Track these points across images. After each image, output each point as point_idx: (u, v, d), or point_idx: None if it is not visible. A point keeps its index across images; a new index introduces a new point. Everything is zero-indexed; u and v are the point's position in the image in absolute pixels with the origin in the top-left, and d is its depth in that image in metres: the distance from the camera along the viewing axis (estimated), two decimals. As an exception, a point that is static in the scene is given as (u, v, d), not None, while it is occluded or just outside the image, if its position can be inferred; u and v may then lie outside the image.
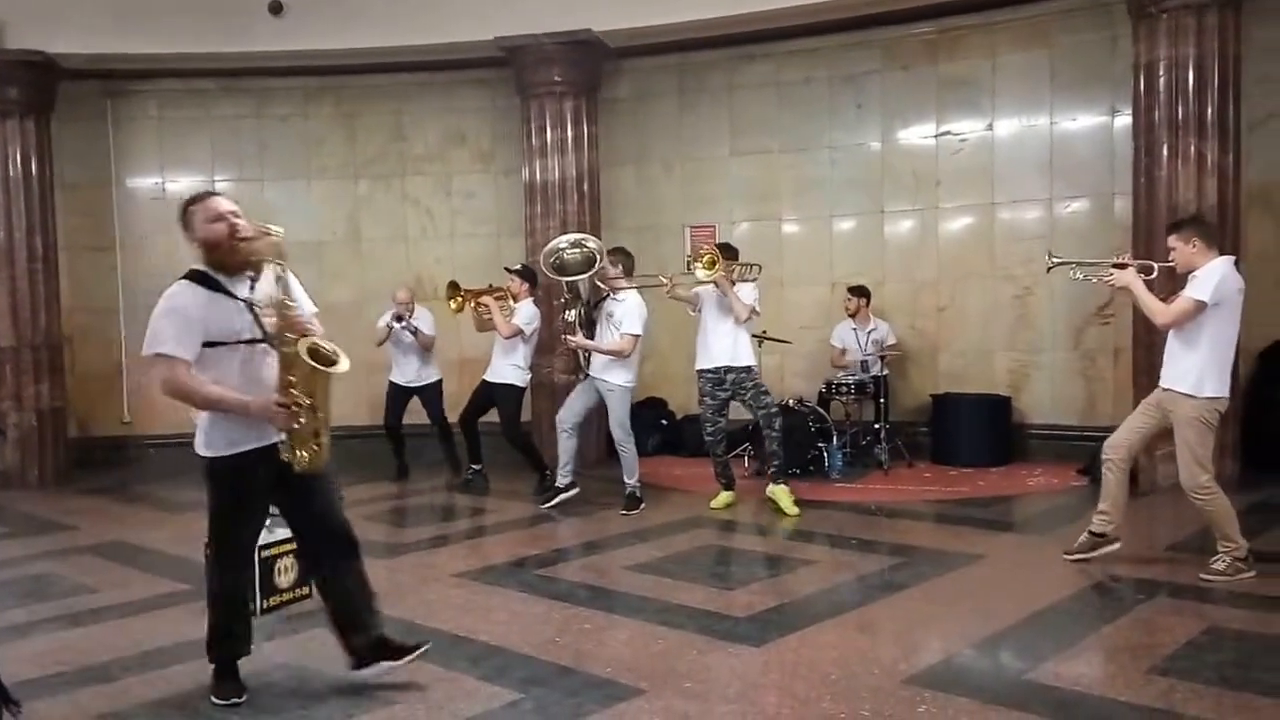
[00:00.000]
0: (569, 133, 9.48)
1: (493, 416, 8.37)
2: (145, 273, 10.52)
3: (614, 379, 7.36)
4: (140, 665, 4.44)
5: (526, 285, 8.32)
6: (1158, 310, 5.38)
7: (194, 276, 3.76)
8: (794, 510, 7.15)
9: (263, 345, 3.79)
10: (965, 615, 4.89)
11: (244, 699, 3.92)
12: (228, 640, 4.01)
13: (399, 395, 9.15)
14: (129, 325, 10.49)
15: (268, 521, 5.27)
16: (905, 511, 7.35)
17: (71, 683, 4.25)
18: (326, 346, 3.74)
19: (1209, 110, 7.45)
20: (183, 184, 10.59)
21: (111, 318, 10.48)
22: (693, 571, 5.80)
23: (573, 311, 7.47)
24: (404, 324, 8.89)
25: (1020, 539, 6.67)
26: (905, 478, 8.46)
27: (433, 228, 10.65)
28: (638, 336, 7.30)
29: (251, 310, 3.78)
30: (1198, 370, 5.25)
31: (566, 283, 7.48)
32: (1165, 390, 5.37)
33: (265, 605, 5.05)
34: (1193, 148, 7.45)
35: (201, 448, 3.88)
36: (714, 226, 10.03)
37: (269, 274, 3.82)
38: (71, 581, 5.93)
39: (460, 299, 8.40)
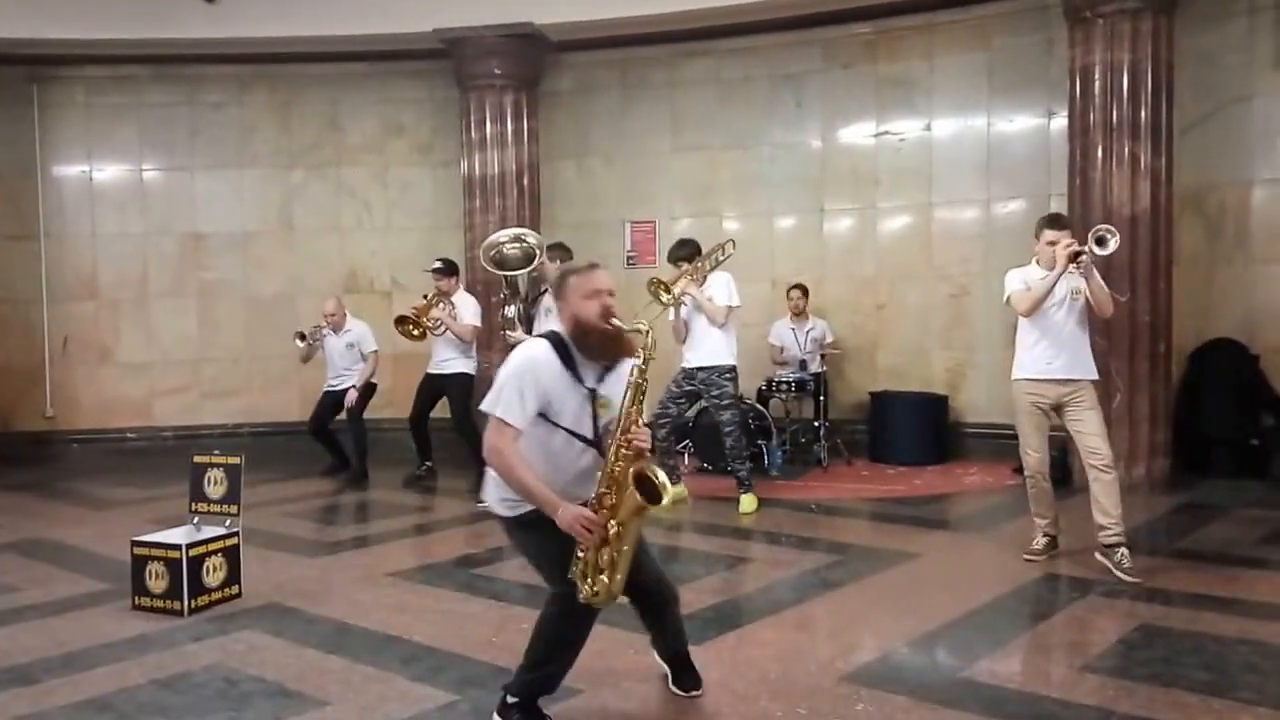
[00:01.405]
0: (509, 126, 9.40)
1: (441, 412, 8.29)
2: (70, 263, 10.28)
3: None
4: (63, 666, 4.30)
5: (453, 278, 8.24)
6: (1107, 302, 5.50)
7: (554, 341, 3.50)
8: (749, 509, 7.13)
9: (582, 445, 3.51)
10: (901, 613, 4.90)
11: None
12: (548, 680, 3.64)
13: (330, 402, 8.78)
14: (53, 317, 10.21)
15: (196, 520, 5.20)
16: (843, 509, 7.39)
17: (-10, 685, 4.11)
18: (658, 476, 3.32)
19: (1143, 114, 7.57)
20: (110, 171, 10.36)
21: (35, 309, 10.19)
22: (631, 569, 5.75)
23: (512, 307, 7.38)
24: (320, 338, 8.59)
25: (956, 537, 6.72)
26: (844, 475, 8.50)
27: (369, 219, 10.50)
28: None
29: (593, 402, 3.49)
30: (1091, 357, 5.59)
31: (505, 278, 7.39)
32: (1073, 381, 5.49)
33: (193, 605, 4.94)
34: (1127, 150, 7.57)
35: (504, 507, 3.60)
36: (654, 222, 10.01)
37: (624, 369, 3.49)
38: (-10, 580, 5.73)
39: (416, 328, 8.12)
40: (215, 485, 5.23)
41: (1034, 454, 5.67)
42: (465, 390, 8.19)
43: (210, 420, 10.25)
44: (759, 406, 8.84)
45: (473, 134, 9.45)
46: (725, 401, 7.18)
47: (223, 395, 10.38)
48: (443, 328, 8.13)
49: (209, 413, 10.33)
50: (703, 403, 7.62)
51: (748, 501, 7.19)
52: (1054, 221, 5.66)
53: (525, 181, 9.50)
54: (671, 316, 7.14)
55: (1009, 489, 7.85)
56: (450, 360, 8.21)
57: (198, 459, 5.32)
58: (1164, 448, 7.69)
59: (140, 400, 10.39)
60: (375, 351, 8.64)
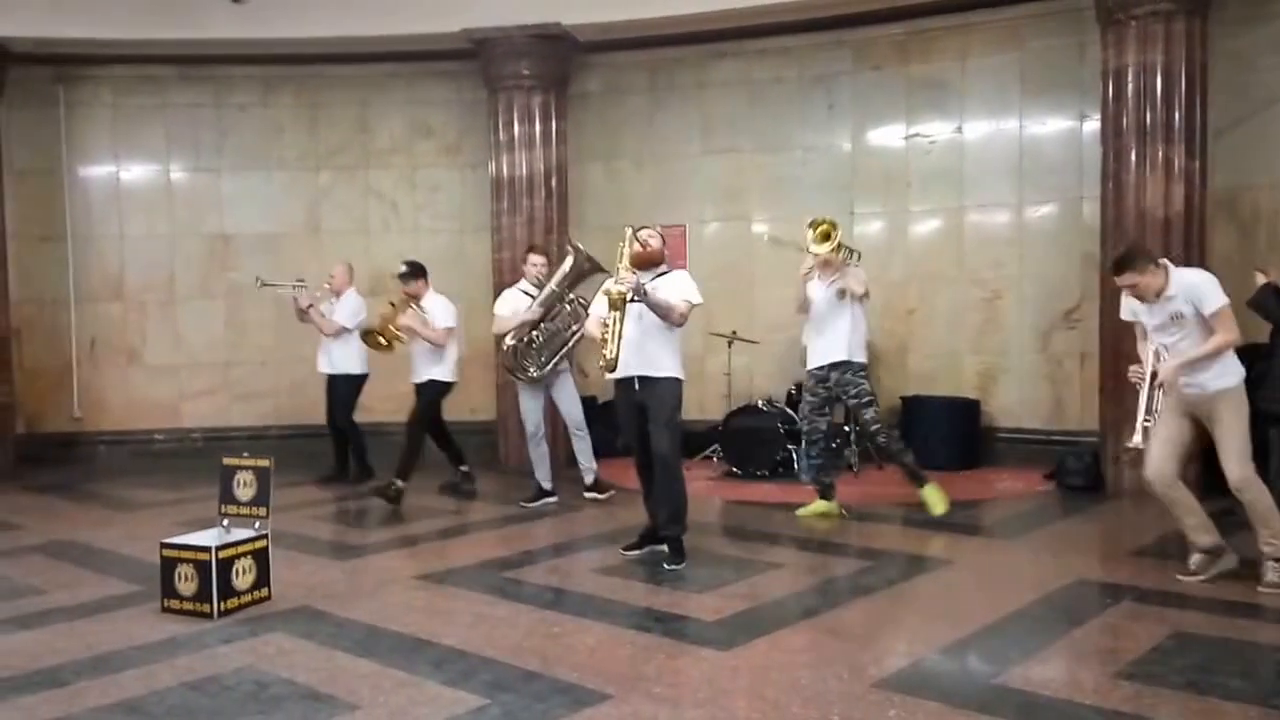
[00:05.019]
0: (537, 128, 9.35)
1: (451, 415, 8.26)
2: (97, 264, 10.32)
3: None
4: (92, 669, 4.29)
5: (421, 280, 7.86)
6: (1228, 341, 5.14)
7: None
8: (940, 509, 7.00)
9: None
10: (934, 619, 4.86)
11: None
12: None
13: (327, 387, 8.77)
14: (80, 319, 10.26)
15: (225, 522, 5.18)
16: (875, 514, 7.33)
17: (20, 687, 4.09)
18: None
19: (1176, 117, 7.49)
20: (136, 172, 10.40)
21: (62, 310, 10.23)
22: (661, 574, 5.72)
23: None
24: (296, 297, 8.57)
25: (988, 543, 6.66)
26: (874, 480, 8.44)
27: (396, 221, 10.49)
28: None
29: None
30: (1224, 363, 5.18)
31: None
32: (1203, 392, 5.20)
33: (222, 608, 4.92)
34: (1160, 153, 7.49)
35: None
36: (684, 226, 9.95)
37: None
38: (18, 582, 5.72)
39: (384, 338, 7.83)
40: (244, 487, 5.21)
41: (1151, 462, 5.34)
42: (429, 393, 7.84)
43: (238, 422, 10.26)
44: (789, 411, 8.77)
45: (501, 135, 9.41)
46: (865, 391, 6.92)
47: (250, 397, 10.40)
48: (413, 337, 7.75)
49: (237, 415, 10.35)
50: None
51: (933, 495, 7.05)
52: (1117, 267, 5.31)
53: (553, 183, 9.45)
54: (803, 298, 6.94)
55: (1041, 495, 7.79)
56: (424, 369, 7.84)
57: (227, 461, 5.30)
58: (1198, 452, 7.56)
59: (168, 402, 10.42)
60: (345, 329, 8.50)
